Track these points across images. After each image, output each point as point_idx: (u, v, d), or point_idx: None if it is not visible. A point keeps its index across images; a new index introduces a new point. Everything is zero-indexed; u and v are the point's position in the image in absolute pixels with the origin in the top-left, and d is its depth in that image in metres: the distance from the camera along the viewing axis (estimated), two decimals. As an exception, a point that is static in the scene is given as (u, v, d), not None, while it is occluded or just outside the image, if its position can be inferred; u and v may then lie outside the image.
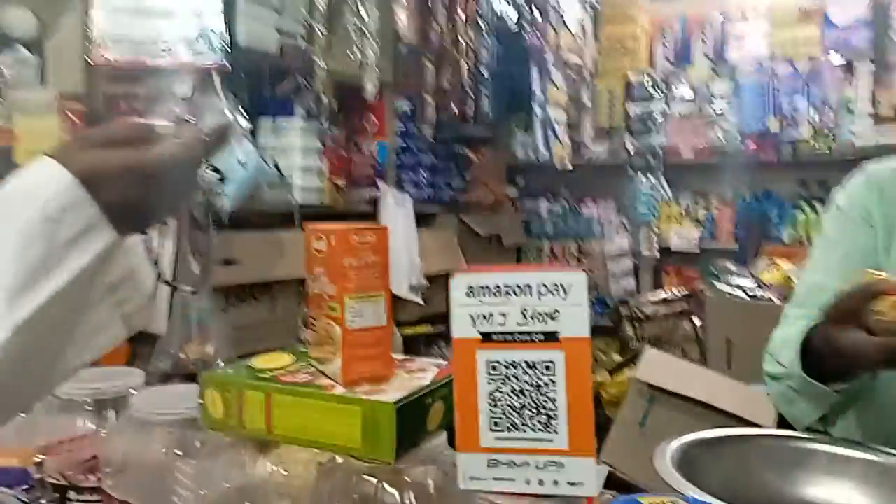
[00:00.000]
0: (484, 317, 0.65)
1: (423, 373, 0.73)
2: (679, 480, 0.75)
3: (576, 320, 0.63)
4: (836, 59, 3.34)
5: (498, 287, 0.65)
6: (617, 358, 3.16)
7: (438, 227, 3.18)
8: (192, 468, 0.73)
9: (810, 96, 3.35)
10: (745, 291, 2.45)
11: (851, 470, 0.83)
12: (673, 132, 3.68)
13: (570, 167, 3.63)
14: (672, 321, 3.05)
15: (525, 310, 0.64)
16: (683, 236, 3.72)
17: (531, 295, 0.64)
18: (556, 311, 0.64)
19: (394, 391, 0.66)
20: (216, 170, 0.69)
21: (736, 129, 3.49)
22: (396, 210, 2.72)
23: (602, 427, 2.51)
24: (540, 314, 0.64)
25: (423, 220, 3.03)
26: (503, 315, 0.65)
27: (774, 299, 2.85)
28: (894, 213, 1.08)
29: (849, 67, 3.32)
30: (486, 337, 0.65)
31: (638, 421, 2.10)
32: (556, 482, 0.62)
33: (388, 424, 0.63)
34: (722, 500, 0.71)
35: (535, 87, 3.41)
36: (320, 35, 2.21)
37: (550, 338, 0.64)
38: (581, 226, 3.86)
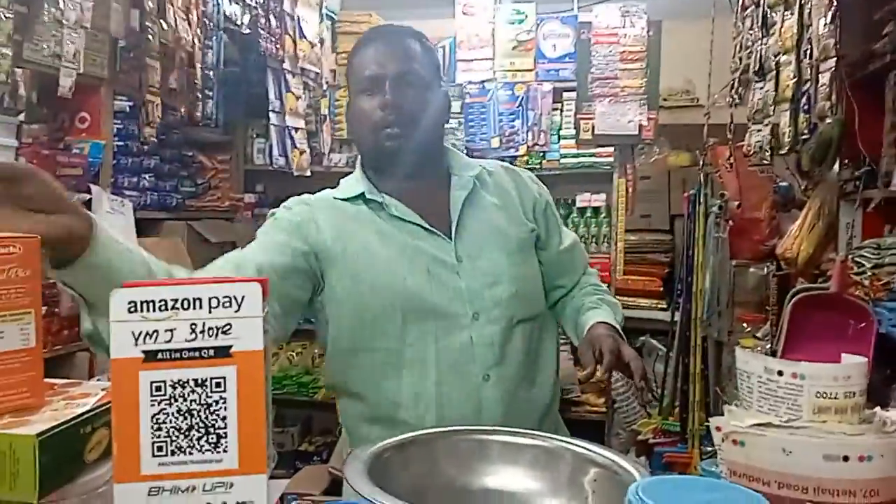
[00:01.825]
0: (148, 334, 0.61)
1: (86, 398, 0.67)
2: (365, 485, 0.77)
3: (249, 333, 0.62)
4: (547, 87, 3.73)
5: (164, 301, 0.61)
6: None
7: (165, 234, 2.97)
8: None
9: (526, 119, 3.70)
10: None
11: (523, 457, 0.92)
12: (408, 145, 3.83)
13: (308, 174, 3.61)
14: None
15: (194, 324, 0.61)
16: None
17: (201, 308, 0.62)
18: (229, 324, 0.62)
19: (41, 422, 0.59)
20: None
21: (464, 145, 3.74)
22: (113, 216, 2.49)
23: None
24: (211, 329, 0.62)
25: (146, 227, 2.81)
26: (170, 331, 0.61)
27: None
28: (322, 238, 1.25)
29: (557, 95, 3.73)
30: (151, 356, 0.60)
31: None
32: (222, 503, 0.60)
33: (28, 460, 0.56)
34: (407, 500, 0.74)
35: (272, 93, 3.34)
36: (2, 18, 1.94)
37: (222, 353, 0.61)
38: (320, 234, 3.85)
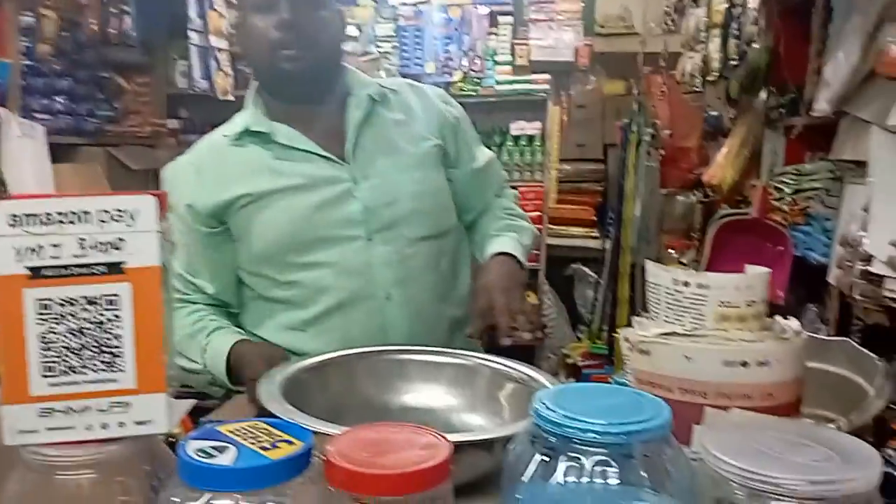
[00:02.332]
0: (32, 249, 0.57)
1: (-30, 319, 0.63)
2: (278, 405, 0.76)
3: (144, 248, 0.59)
4: (483, 11, 3.65)
5: (48, 215, 0.57)
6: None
7: (82, 160, 2.83)
8: None
9: (461, 44, 3.62)
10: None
11: (442, 374, 0.93)
12: (340, 70, 3.72)
13: (232, 99, 3.47)
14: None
15: (83, 239, 0.58)
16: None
17: (91, 223, 0.58)
18: (121, 239, 0.58)
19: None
20: None
21: (398, 70, 3.65)
22: (22, 141, 2.34)
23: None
24: (101, 244, 0.58)
25: (62, 152, 2.67)
26: (56, 246, 0.57)
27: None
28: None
29: (493, 19, 3.65)
30: (36, 272, 0.57)
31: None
32: (122, 423, 0.58)
33: None
34: (324, 419, 0.74)
35: (193, 11, 3.16)
36: None
37: (114, 269, 0.58)
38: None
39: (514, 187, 3.94)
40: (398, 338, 1.15)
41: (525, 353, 3.50)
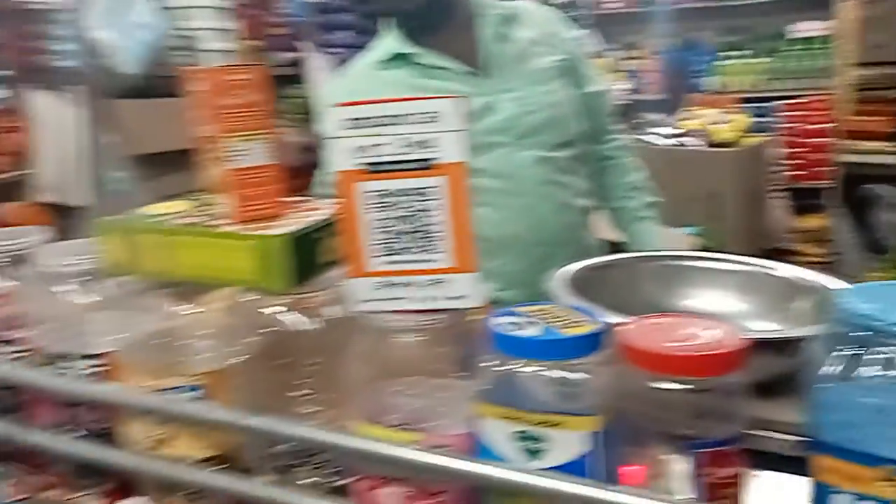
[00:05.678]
0: (362, 148, 0.66)
1: (317, 211, 0.75)
2: (568, 295, 0.81)
3: (452, 146, 0.65)
4: None
5: (376, 117, 0.66)
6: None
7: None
8: (105, 316, 0.74)
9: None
10: (664, 138, 2.52)
11: (729, 281, 0.91)
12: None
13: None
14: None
15: (405, 138, 0.66)
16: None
17: (407, 124, 0.66)
18: (432, 138, 0.66)
19: (286, 226, 0.69)
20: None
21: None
22: (319, 74, 2.63)
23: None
24: (420, 142, 0.66)
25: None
26: (383, 145, 0.66)
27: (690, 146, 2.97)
28: None
29: None
30: (369, 167, 0.66)
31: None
32: (439, 297, 0.66)
33: (283, 256, 0.66)
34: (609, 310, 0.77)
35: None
36: None
37: (430, 164, 0.66)
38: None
39: (793, 97, 3.57)
40: (551, 229, 1.32)
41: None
